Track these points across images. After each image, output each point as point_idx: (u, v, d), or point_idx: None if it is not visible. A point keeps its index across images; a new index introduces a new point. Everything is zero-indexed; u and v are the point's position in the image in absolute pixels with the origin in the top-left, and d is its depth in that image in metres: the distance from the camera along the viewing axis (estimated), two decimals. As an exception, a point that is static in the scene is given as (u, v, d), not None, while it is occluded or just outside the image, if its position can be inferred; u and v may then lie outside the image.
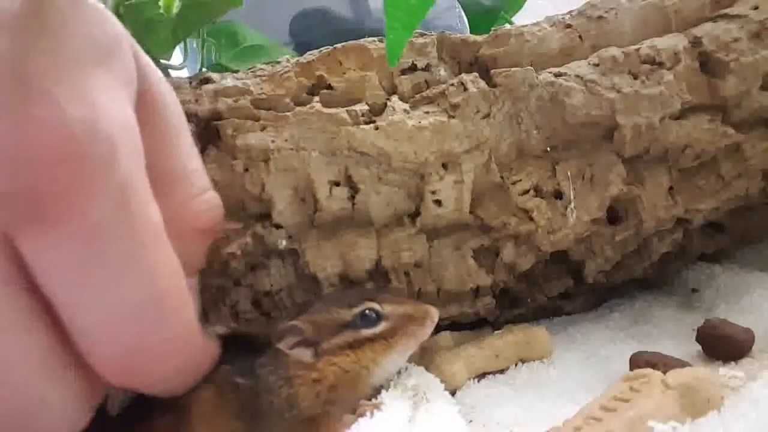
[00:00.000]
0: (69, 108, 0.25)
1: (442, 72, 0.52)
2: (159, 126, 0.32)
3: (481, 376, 0.48)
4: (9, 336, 0.26)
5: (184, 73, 0.64)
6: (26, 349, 0.27)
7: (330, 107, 0.48)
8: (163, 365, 0.31)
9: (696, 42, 0.52)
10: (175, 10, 0.54)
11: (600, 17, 0.54)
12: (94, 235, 0.26)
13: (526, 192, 0.50)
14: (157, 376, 0.31)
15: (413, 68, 0.51)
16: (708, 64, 0.52)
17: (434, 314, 0.42)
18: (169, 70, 0.60)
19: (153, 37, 0.54)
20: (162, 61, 0.59)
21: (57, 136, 0.24)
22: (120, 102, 0.28)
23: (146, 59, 0.33)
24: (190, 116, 0.48)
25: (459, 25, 0.93)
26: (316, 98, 0.49)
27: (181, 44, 0.60)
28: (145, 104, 0.31)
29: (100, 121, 0.25)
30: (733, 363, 0.43)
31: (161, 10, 0.53)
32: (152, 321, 0.29)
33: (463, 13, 0.93)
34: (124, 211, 0.27)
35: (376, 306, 0.40)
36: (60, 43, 0.26)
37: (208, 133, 0.48)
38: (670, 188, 0.53)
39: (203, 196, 0.34)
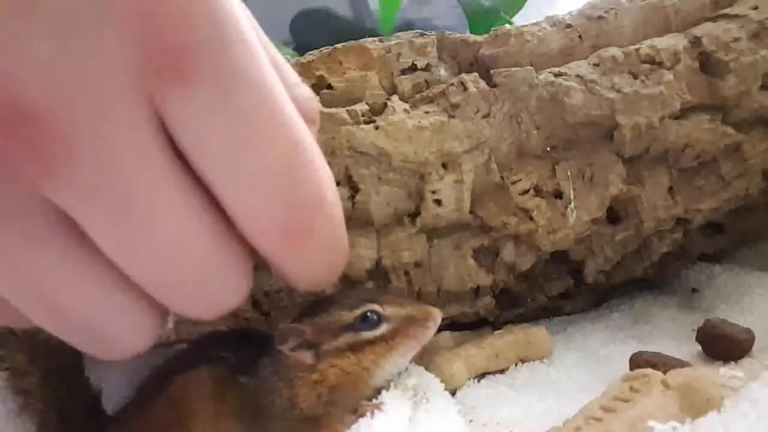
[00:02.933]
0: None
1: (442, 72, 0.52)
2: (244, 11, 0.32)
3: (481, 376, 0.48)
4: (174, 210, 0.26)
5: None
6: (190, 222, 0.27)
7: (330, 107, 0.48)
8: (324, 225, 0.29)
9: (696, 42, 0.52)
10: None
11: (600, 17, 0.54)
12: (230, 88, 0.25)
13: (526, 192, 0.50)
14: (318, 241, 0.29)
15: (413, 68, 0.51)
16: (708, 64, 0.52)
17: (436, 315, 0.42)
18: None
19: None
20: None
21: None
22: None
23: None
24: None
25: (459, 25, 0.93)
26: (316, 98, 0.49)
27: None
28: None
29: None
30: (733, 363, 0.43)
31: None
32: (303, 171, 0.28)
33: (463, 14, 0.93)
34: (254, 64, 0.26)
35: (377, 308, 0.40)
36: None
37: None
38: (670, 188, 0.53)
39: (301, 85, 0.33)
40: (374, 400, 0.39)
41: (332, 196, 0.30)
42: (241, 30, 0.26)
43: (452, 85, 0.49)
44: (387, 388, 0.40)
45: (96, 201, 0.25)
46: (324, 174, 0.29)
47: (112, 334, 0.28)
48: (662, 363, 0.41)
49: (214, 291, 0.29)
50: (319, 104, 0.48)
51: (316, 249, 0.30)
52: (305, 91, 0.33)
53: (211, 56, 0.25)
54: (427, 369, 0.45)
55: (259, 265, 0.49)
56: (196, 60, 0.25)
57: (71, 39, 0.23)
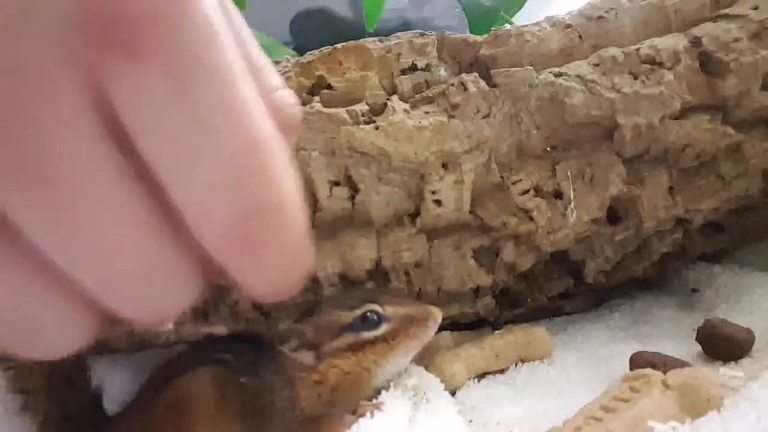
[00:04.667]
0: None
1: (442, 72, 0.52)
2: (225, 11, 0.29)
3: (481, 376, 0.48)
4: (116, 201, 0.24)
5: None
6: (135, 212, 0.24)
7: (330, 107, 0.48)
8: (279, 234, 0.27)
9: (696, 42, 0.52)
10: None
11: (600, 17, 0.54)
12: (186, 68, 0.23)
13: (526, 192, 0.50)
14: (273, 250, 0.27)
15: (413, 68, 0.51)
16: (708, 64, 0.52)
17: (437, 315, 0.42)
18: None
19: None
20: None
21: None
22: None
23: None
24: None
25: (459, 25, 0.93)
26: (317, 98, 0.49)
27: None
28: None
29: None
30: (733, 363, 0.43)
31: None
32: (261, 174, 0.26)
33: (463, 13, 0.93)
34: (214, 46, 0.24)
35: (377, 308, 0.40)
36: None
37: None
38: (670, 188, 0.53)
39: (282, 90, 0.31)
40: (374, 400, 0.39)
41: (292, 203, 0.27)
42: (206, 15, 0.24)
43: (452, 85, 0.49)
44: (387, 388, 0.40)
45: (20, 187, 0.22)
46: (284, 179, 0.27)
47: (44, 332, 0.26)
48: (662, 363, 0.41)
49: (155, 294, 0.26)
50: (319, 104, 0.48)
51: (271, 259, 0.27)
52: (287, 97, 0.31)
53: (165, 32, 0.23)
54: (427, 369, 0.45)
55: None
56: (147, 30, 0.22)
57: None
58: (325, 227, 0.48)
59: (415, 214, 0.49)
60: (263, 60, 0.31)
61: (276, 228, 0.27)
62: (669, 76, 0.51)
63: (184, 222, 0.25)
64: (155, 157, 0.24)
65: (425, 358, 0.46)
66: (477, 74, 0.50)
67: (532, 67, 0.51)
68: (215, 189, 0.25)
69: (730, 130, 0.52)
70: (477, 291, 0.52)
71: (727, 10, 0.54)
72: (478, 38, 0.53)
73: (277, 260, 0.28)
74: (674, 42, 0.52)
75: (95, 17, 0.22)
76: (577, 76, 0.50)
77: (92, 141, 0.23)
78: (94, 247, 0.24)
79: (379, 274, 0.49)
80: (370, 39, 0.53)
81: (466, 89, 0.49)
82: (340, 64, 0.51)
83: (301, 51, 0.55)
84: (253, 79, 0.27)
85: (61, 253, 0.24)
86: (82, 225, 0.24)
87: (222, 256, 0.26)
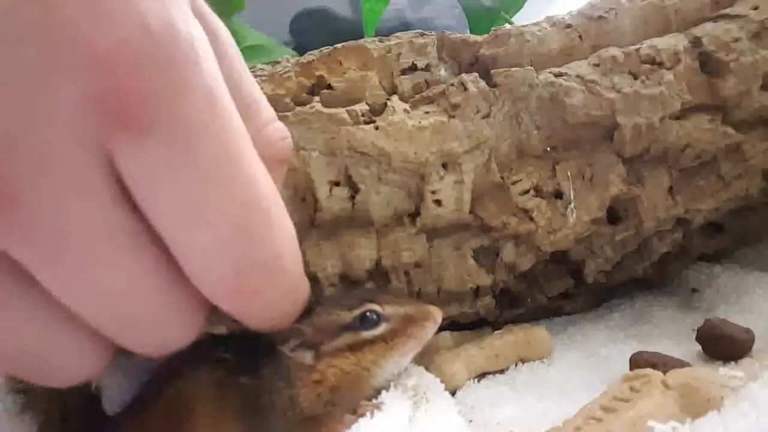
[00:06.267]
0: (143, 5, 0.23)
1: (442, 72, 0.52)
2: (221, 48, 0.30)
3: (481, 376, 0.48)
4: (122, 256, 0.25)
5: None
6: (139, 269, 0.26)
7: (330, 107, 0.48)
8: (274, 285, 0.28)
9: (696, 42, 0.52)
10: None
11: (600, 17, 0.54)
12: (186, 139, 0.24)
13: (526, 192, 0.50)
14: (268, 298, 0.29)
15: (413, 68, 0.51)
16: (708, 64, 0.52)
17: (437, 315, 0.42)
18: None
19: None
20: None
21: (136, 34, 0.23)
22: (187, 10, 0.26)
23: None
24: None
25: (459, 25, 0.93)
26: (316, 98, 0.49)
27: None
28: (204, 23, 0.29)
29: (177, 20, 0.24)
30: (733, 363, 0.43)
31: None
32: (257, 232, 0.27)
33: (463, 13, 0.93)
34: (213, 114, 0.25)
35: (376, 308, 0.40)
36: None
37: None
38: (670, 188, 0.53)
39: (274, 124, 0.33)
40: (374, 400, 0.39)
41: (288, 254, 0.29)
42: (202, 76, 0.25)
43: (452, 85, 0.49)
44: (387, 388, 0.40)
45: (40, 246, 0.24)
46: (280, 231, 0.28)
47: (56, 365, 0.28)
48: (662, 363, 0.41)
49: (159, 334, 0.28)
50: (319, 104, 0.48)
51: (266, 304, 0.29)
52: (279, 130, 0.32)
53: (166, 106, 0.24)
54: (427, 369, 0.45)
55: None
56: (149, 109, 0.24)
57: (15, 81, 0.23)
58: (325, 227, 0.48)
59: (415, 214, 0.49)
60: (256, 93, 0.32)
61: (271, 280, 0.28)
62: (669, 76, 0.51)
63: (185, 273, 0.27)
64: (158, 218, 0.26)
65: (425, 358, 0.46)
66: (477, 74, 0.50)
67: (532, 67, 0.51)
68: (214, 246, 0.26)
69: (730, 130, 0.52)
70: (477, 291, 0.52)
71: (727, 10, 0.54)
72: (478, 38, 0.53)
73: (272, 305, 0.30)
74: (674, 42, 0.52)
75: (100, 99, 0.23)
76: (577, 76, 0.50)
77: (103, 206, 0.25)
78: (105, 296, 0.26)
79: (379, 274, 0.49)
80: (370, 39, 0.53)
81: (466, 89, 0.49)
82: (340, 64, 0.51)
83: (301, 51, 0.55)
84: (246, 116, 0.29)
85: (75, 302, 0.26)
86: (96, 278, 0.25)
87: (220, 304, 0.28)
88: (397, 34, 0.53)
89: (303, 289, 0.32)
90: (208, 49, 0.26)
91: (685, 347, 0.47)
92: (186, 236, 0.26)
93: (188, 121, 0.24)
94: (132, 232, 0.26)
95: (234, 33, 0.69)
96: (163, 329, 0.28)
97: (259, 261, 0.27)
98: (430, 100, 0.50)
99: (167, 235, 0.26)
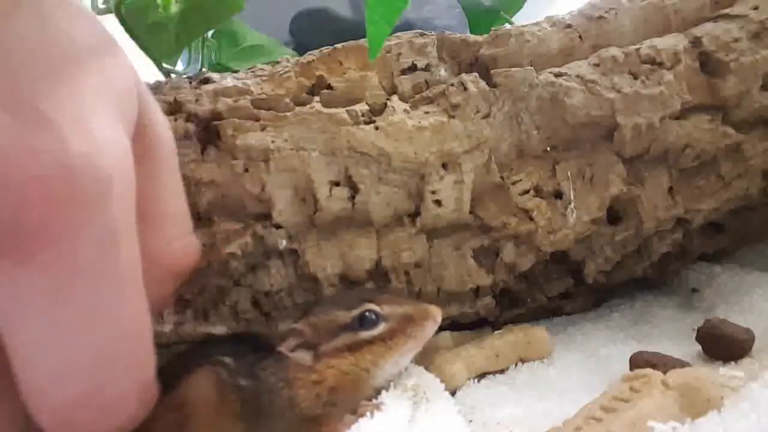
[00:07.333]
0: (72, 141, 0.23)
1: (442, 72, 0.52)
2: (153, 165, 0.31)
3: (481, 376, 0.48)
4: None
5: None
6: None
7: (330, 107, 0.48)
8: (108, 421, 0.28)
9: (696, 42, 0.52)
10: (174, 8, 0.54)
11: (600, 17, 0.54)
12: (70, 277, 0.24)
13: (526, 192, 0.50)
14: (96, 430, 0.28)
15: (413, 68, 0.51)
16: (708, 64, 0.52)
17: (436, 314, 0.42)
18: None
19: (157, 41, 0.54)
20: (165, 65, 0.59)
21: (53, 172, 0.23)
22: (118, 130, 0.26)
23: (148, 93, 0.31)
24: (190, 116, 0.48)
25: (459, 25, 0.93)
26: (316, 98, 0.49)
27: (182, 45, 0.60)
28: (142, 140, 0.30)
29: (100, 156, 0.24)
30: (733, 363, 0.43)
31: (162, 12, 0.53)
32: (112, 371, 0.27)
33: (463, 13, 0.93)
34: (106, 256, 0.25)
35: (375, 308, 0.40)
36: (58, 57, 0.24)
37: (208, 133, 0.48)
38: (670, 188, 0.53)
39: (186, 239, 0.33)
40: (374, 400, 0.39)
41: (141, 388, 0.29)
42: (106, 218, 0.24)
43: (452, 85, 0.49)
44: (387, 388, 0.40)
45: None
46: (142, 373, 0.28)
47: None
48: (662, 363, 0.41)
49: None
50: (319, 104, 0.48)
51: None
52: (191, 243, 0.33)
53: (53, 244, 0.23)
54: (427, 369, 0.45)
55: (259, 265, 0.49)
56: (34, 242, 0.23)
57: None
58: (325, 227, 0.48)
59: (415, 214, 0.49)
60: (181, 204, 0.33)
61: (107, 417, 0.28)
62: (669, 76, 0.51)
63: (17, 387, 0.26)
64: (13, 335, 0.25)
65: (425, 358, 0.46)
66: (477, 74, 0.50)
67: (532, 67, 0.51)
68: (67, 375, 0.26)
69: (730, 130, 0.52)
70: (477, 291, 0.52)
71: (727, 10, 0.54)
72: (478, 38, 0.53)
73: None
74: (674, 42, 0.52)
75: None
76: (577, 76, 0.50)
77: None
78: None
79: (379, 274, 0.49)
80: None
81: (466, 89, 0.49)
82: (340, 64, 0.51)
83: (301, 51, 0.55)
84: (156, 227, 0.29)
85: None
86: None
87: (45, 427, 0.27)
88: (397, 34, 0.53)
89: (142, 413, 0.31)
90: (128, 182, 0.26)
91: (685, 347, 0.47)
92: (42, 363, 0.25)
93: (77, 260, 0.24)
94: None
95: (234, 33, 0.69)
96: None
97: (104, 396, 0.27)
98: (430, 100, 0.50)
99: (19, 356, 0.25)
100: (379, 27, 0.40)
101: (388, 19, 0.40)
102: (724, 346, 0.44)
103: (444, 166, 0.48)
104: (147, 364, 0.29)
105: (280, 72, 0.51)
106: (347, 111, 0.48)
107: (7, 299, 0.24)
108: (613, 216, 0.53)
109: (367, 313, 0.40)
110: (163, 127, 0.33)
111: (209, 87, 0.50)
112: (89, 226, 0.24)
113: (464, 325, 0.54)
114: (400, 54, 0.51)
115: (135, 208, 0.27)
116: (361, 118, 0.48)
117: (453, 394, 0.45)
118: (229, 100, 0.48)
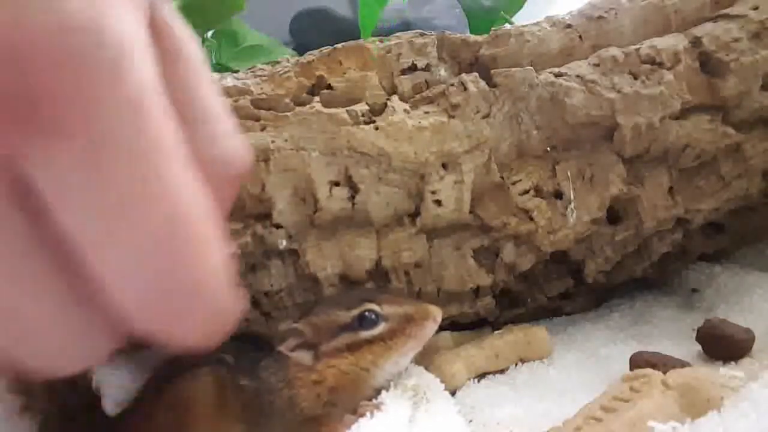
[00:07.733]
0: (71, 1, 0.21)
1: (442, 72, 0.52)
2: (178, 57, 0.29)
3: (481, 376, 0.48)
4: (16, 262, 0.24)
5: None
6: (35, 278, 0.24)
7: (330, 107, 0.48)
8: (204, 306, 0.27)
9: (696, 42, 0.52)
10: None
11: (600, 17, 0.54)
12: (102, 153, 0.23)
13: (526, 192, 0.50)
14: (190, 319, 0.27)
15: (413, 68, 0.51)
16: (708, 64, 0.52)
17: (436, 314, 0.42)
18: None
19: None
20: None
21: (53, 29, 0.21)
22: (127, 11, 0.24)
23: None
24: (190, 116, 0.48)
25: (459, 25, 0.93)
26: (316, 98, 0.49)
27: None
28: (159, 33, 0.27)
29: (105, 19, 0.22)
30: (733, 363, 0.43)
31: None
32: (179, 253, 0.25)
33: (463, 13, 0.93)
34: (134, 128, 0.23)
35: (375, 307, 0.40)
36: None
37: (208, 133, 0.48)
38: (670, 188, 0.53)
39: (233, 138, 0.31)
40: (374, 400, 0.39)
41: (215, 277, 0.27)
42: (126, 87, 0.23)
43: (452, 85, 0.49)
44: (387, 388, 0.40)
45: None
46: (207, 254, 0.26)
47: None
48: (662, 363, 0.41)
49: (62, 352, 0.26)
50: (319, 104, 0.48)
51: (188, 326, 0.27)
52: (236, 144, 0.31)
53: (79, 112, 0.22)
54: (427, 369, 0.45)
55: (259, 265, 0.49)
56: (57, 110, 0.22)
57: None
58: (325, 227, 0.48)
59: (415, 214, 0.49)
60: (216, 106, 0.30)
61: (197, 304, 0.26)
62: (669, 76, 0.51)
63: (101, 291, 0.25)
64: (71, 229, 0.24)
65: (425, 358, 0.46)
66: (477, 74, 0.50)
67: (532, 67, 0.51)
68: (132, 264, 0.25)
69: (730, 130, 0.52)
70: (477, 291, 0.52)
71: (727, 10, 0.54)
72: (478, 38, 0.53)
73: (194, 327, 0.27)
74: (674, 42, 0.52)
75: (6, 96, 0.21)
76: (577, 76, 0.50)
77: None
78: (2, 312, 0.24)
79: (379, 274, 0.49)
80: (370, 39, 0.53)
81: (466, 89, 0.49)
82: (340, 64, 0.51)
83: (301, 51, 0.55)
84: (197, 130, 0.27)
85: None
86: None
87: (140, 323, 0.26)
88: (397, 34, 0.53)
89: (231, 312, 0.29)
90: (144, 57, 0.25)
91: (685, 347, 0.47)
92: (100, 251, 0.24)
93: (104, 134, 0.23)
94: (30, 238, 0.24)
95: (234, 33, 0.69)
96: (65, 348, 0.26)
97: (185, 284, 0.26)
98: (430, 100, 0.50)
99: (80, 248, 0.24)
100: (372, 7, 0.41)
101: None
102: (724, 346, 0.44)
103: (444, 166, 0.48)
104: (213, 252, 0.27)
105: (280, 72, 0.51)
106: (347, 111, 0.48)
107: (49, 184, 0.23)
108: (613, 216, 0.53)
109: (367, 313, 0.40)
110: (182, 29, 0.30)
111: (209, 87, 0.50)
112: (109, 95, 0.23)
113: (464, 325, 0.54)
114: (400, 54, 0.51)
115: (163, 96, 0.25)
116: (361, 118, 0.48)
117: (453, 394, 0.45)
118: (229, 100, 0.48)
